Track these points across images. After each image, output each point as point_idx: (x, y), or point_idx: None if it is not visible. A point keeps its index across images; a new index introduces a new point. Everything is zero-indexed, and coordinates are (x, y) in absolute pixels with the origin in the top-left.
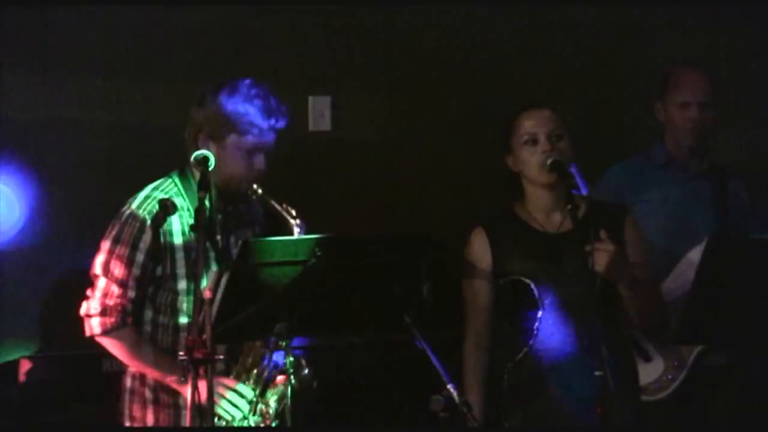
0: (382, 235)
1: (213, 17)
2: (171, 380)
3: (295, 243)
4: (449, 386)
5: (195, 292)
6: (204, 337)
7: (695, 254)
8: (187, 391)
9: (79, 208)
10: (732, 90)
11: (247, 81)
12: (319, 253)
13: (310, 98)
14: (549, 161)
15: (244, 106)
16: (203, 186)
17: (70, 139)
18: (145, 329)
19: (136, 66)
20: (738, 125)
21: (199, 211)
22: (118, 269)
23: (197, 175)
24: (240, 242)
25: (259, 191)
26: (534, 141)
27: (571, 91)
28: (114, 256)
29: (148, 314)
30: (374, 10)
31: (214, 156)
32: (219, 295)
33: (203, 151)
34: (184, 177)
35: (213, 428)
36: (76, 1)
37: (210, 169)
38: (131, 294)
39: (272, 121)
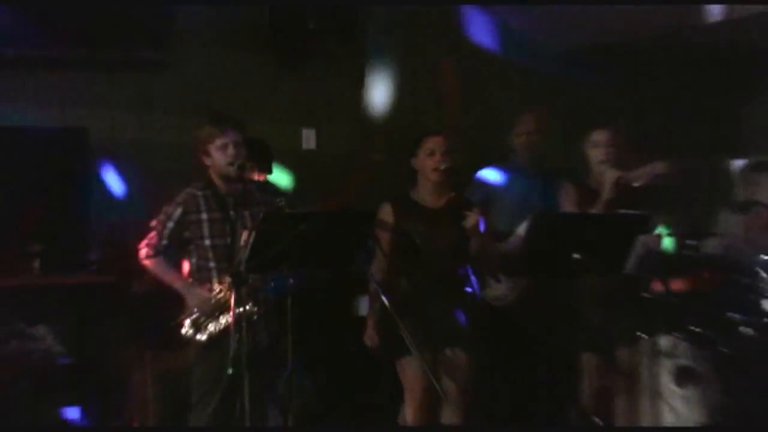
0: (345, 211)
1: None
2: (181, 290)
3: (293, 215)
4: (383, 299)
5: (232, 245)
6: (241, 267)
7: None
8: (189, 296)
9: None
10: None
11: None
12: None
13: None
14: (443, 166)
15: (204, 128)
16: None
17: None
18: (192, 269)
19: None
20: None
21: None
22: (158, 227)
23: (214, 177)
24: (261, 214)
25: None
26: (433, 153)
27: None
28: (159, 218)
29: (194, 261)
30: None
31: (214, 165)
32: (249, 244)
33: (241, 161)
34: (208, 180)
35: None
36: None
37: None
38: (164, 242)
39: (222, 125)
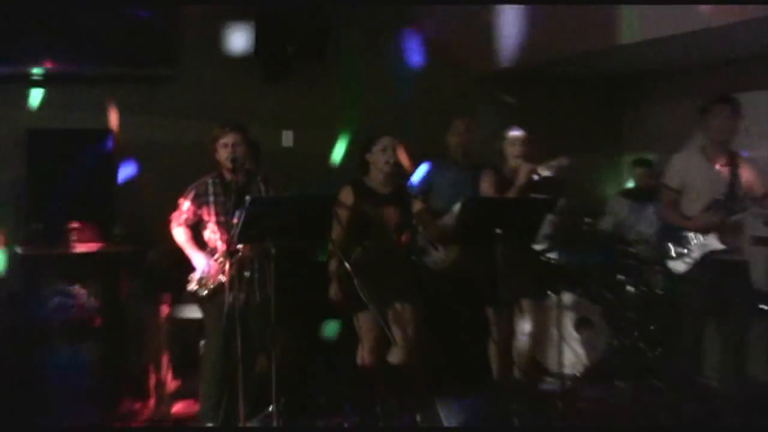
0: (317, 195)
1: None
2: (191, 255)
3: (275, 198)
4: (346, 264)
5: (227, 223)
6: (234, 240)
7: (458, 204)
8: (196, 261)
9: None
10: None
11: None
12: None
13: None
14: (393, 161)
15: (214, 130)
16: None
17: None
18: (205, 241)
19: None
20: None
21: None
22: (180, 205)
23: (222, 169)
24: (249, 198)
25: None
26: (385, 150)
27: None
28: (181, 199)
29: (206, 234)
30: None
31: (218, 158)
32: (240, 222)
33: (233, 156)
34: (219, 172)
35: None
36: None
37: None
38: (184, 216)
39: (224, 128)
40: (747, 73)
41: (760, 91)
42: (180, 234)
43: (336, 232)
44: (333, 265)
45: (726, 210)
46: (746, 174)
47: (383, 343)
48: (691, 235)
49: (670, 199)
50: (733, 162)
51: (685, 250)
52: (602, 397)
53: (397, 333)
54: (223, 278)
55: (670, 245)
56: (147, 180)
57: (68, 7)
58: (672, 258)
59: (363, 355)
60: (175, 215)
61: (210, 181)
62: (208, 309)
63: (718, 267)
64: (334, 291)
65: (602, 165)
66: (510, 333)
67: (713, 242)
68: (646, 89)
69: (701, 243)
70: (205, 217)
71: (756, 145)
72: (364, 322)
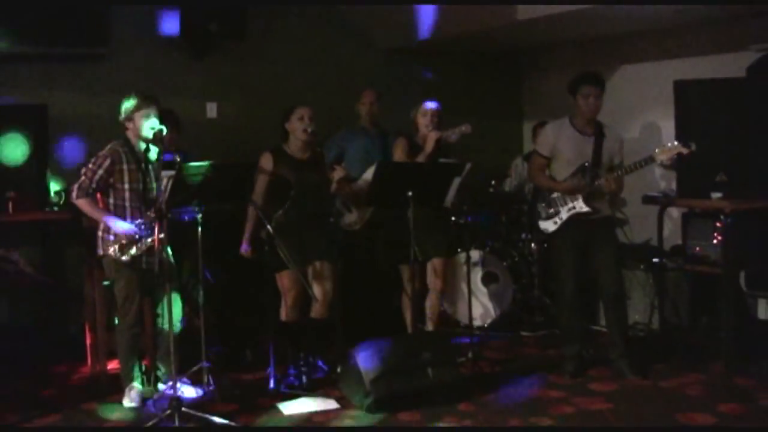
0: (239, 162)
1: None
2: (111, 223)
3: (200, 166)
4: (268, 227)
5: (144, 189)
6: (161, 206)
7: (371, 169)
8: (119, 227)
9: None
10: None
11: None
12: (210, 170)
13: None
14: (310, 130)
15: (133, 101)
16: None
17: None
18: (110, 207)
19: None
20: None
21: (159, 152)
22: (91, 174)
23: (132, 138)
24: (176, 165)
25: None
26: (302, 119)
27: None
28: (89, 167)
29: (111, 201)
30: None
31: (136, 128)
32: (168, 188)
33: (160, 127)
34: (126, 139)
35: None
36: None
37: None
38: (93, 186)
39: (147, 101)
40: (628, 46)
41: (642, 64)
42: (88, 204)
43: (256, 195)
44: (250, 226)
45: (590, 175)
46: (609, 144)
47: (303, 300)
48: (559, 197)
49: (540, 164)
50: (599, 132)
51: (553, 211)
52: (509, 346)
53: (317, 289)
54: (141, 244)
55: (543, 206)
56: (78, 151)
57: None
58: (544, 219)
59: (283, 310)
60: (82, 184)
61: (121, 149)
62: (123, 274)
63: (584, 225)
64: (245, 246)
65: (505, 131)
66: (422, 289)
67: (579, 204)
68: (544, 60)
69: (569, 206)
70: (118, 185)
71: (640, 113)
72: (285, 280)
